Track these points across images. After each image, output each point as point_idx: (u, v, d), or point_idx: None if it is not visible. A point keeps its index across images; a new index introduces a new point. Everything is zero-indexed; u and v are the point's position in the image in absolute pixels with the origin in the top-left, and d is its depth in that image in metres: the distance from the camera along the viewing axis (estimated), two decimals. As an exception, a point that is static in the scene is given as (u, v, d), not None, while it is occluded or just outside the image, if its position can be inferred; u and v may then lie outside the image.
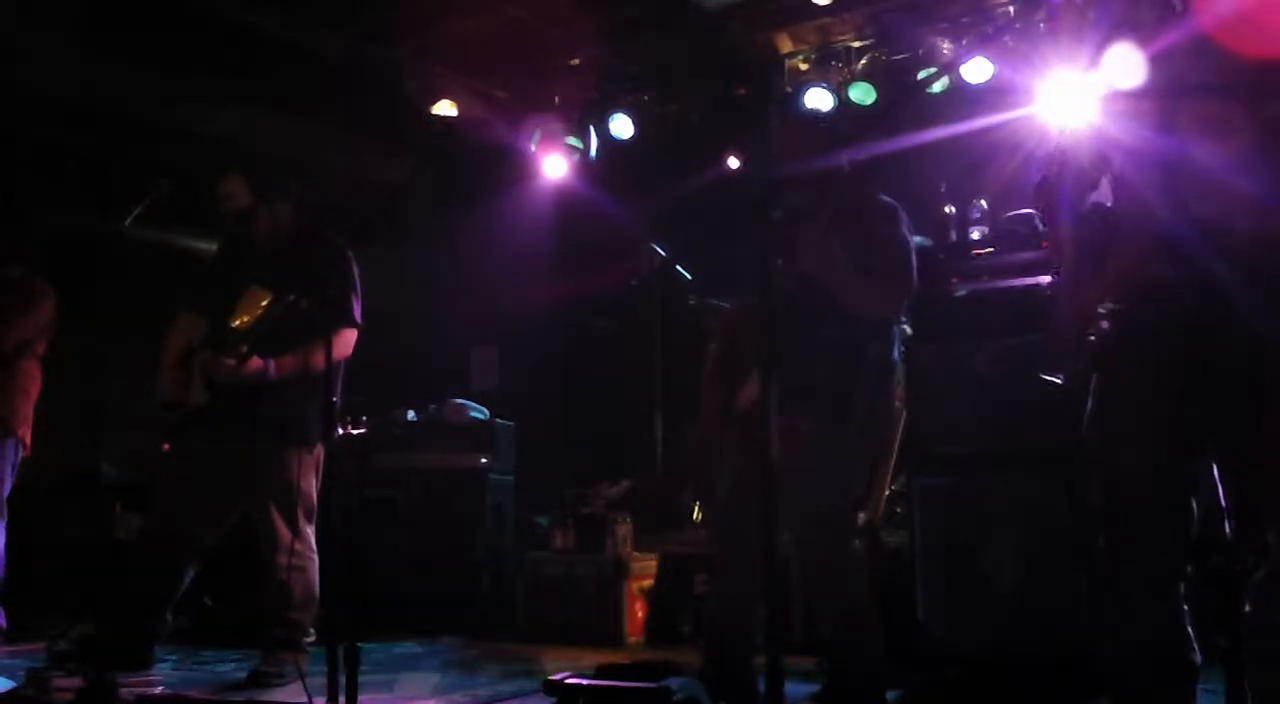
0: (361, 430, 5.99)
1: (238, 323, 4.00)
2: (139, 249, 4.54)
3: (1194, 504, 2.36)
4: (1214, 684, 2.64)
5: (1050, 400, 2.57)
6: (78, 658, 3.77)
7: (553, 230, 7.38)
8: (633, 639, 5.45)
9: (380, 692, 3.90)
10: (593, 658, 4.34)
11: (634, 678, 3.50)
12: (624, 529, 5.64)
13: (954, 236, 4.85)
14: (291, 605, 4.04)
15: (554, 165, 7.05)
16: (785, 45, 6.42)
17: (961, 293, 4.41)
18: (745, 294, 3.55)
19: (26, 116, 5.82)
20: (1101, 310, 2.36)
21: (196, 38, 5.85)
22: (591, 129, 6.90)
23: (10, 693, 3.59)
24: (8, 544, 4.76)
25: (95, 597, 4.37)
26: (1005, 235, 4.59)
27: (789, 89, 6.36)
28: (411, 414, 6.30)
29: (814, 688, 3.54)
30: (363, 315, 4.20)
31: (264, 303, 3.97)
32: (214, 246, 4.56)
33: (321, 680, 3.14)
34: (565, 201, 7.23)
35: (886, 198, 3.50)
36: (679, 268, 5.22)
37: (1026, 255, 4.33)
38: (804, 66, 6.39)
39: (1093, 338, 2.37)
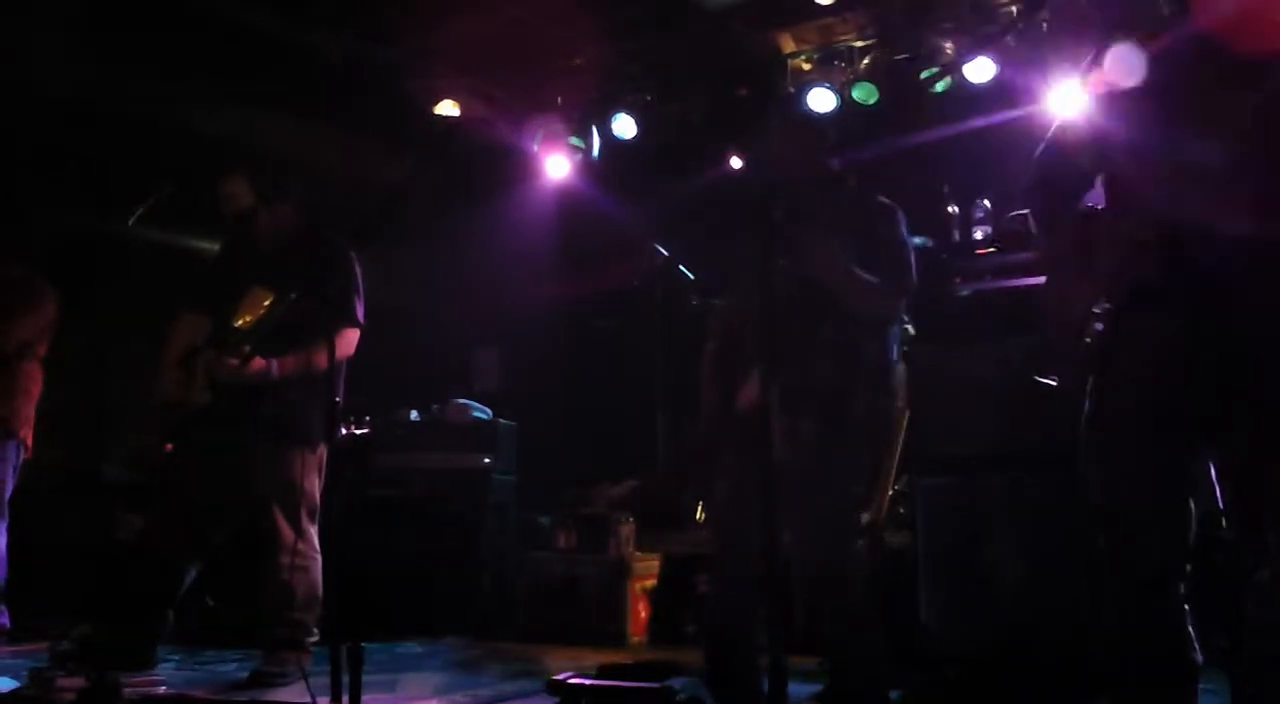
0: (364, 430, 5.99)
1: (240, 323, 4.00)
2: (140, 249, 4.54)
3: (1193, 504, 2.36)
4: (1216, 685, 2.64)
5: (1052, 400, 2.57)
6: (80, 658, 3.77)
7: (555, 230, 7.38)
8: (635, 639, 5.45)
9: (382, 692, 3.89)
10: (595, 658, 4.33)
11: (637, 678, 3.50)
12: (626, 529, 5.64)
13: (957, 236, 4.86)
14: (294, 605, 4.04)
15: (556, 165, 7.05)
16: (788, 45, 6.42)
17: (965, 293, 4.42)
18: (742, 293, 3.55)
19: (28, 117, 5.82)
20: (1096, 311, 2.36)
21: (197, 38, 5.85)
22: (594, 129, 6.90)
23: (13, 693, 3.59)
24: (10, 545, 4.76)
25: (97, 597, 4.37)
26: (1008, 235, 4.60)
27: (791, 89, 6.36)
28: (414, 414, 6.30)
29: (816, 688, 3.54)
30: (365, 315, 4.20)
31: (266, 303, 3.96)
32: (215, 247, 4.56)
33: (324, 680, 3.14)
34: (567, 202, 7.23)
35: (885, 199, 3.50)
36: (681, 268, 5.22)
37: (1029, 255, 4.34)
38: (807, 66, 6.39)
39: (1088, 340, 2.37)
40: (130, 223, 4.23)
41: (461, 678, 4.41)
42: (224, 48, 5.97)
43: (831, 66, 6.28)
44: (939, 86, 5.83)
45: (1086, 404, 2.48)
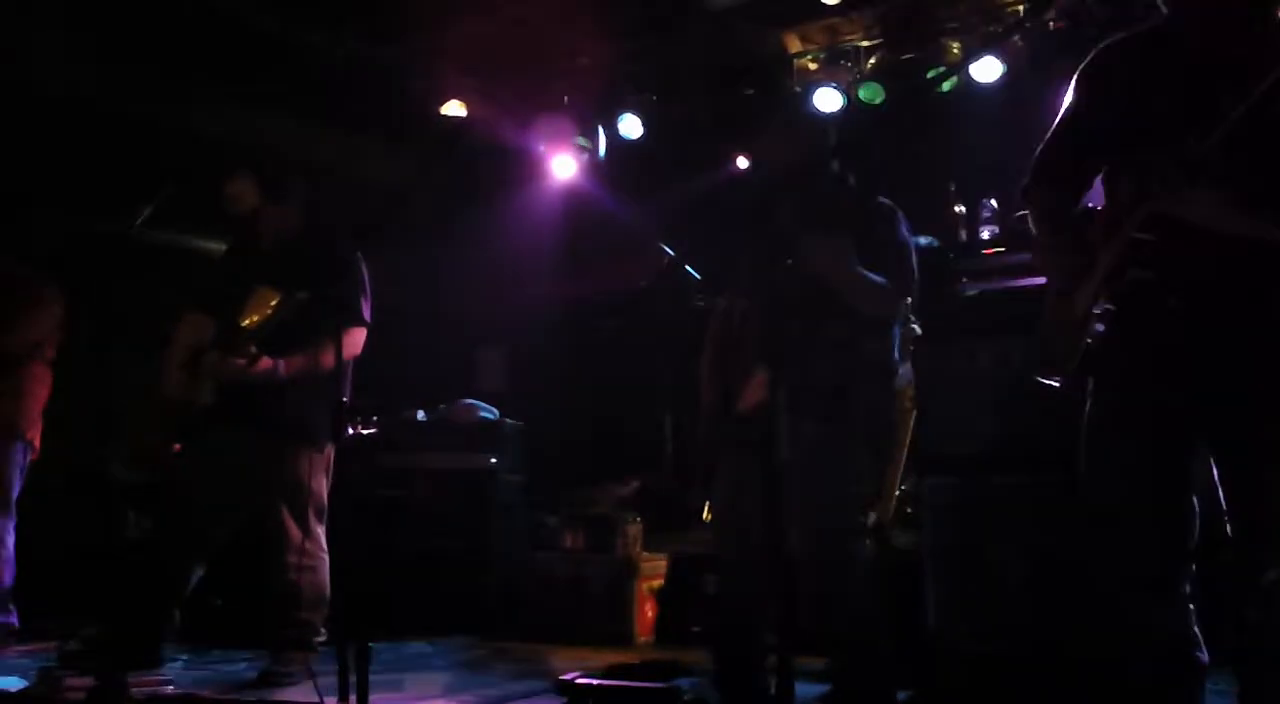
0: (371, 430, 5.99)
1: (247, 323, 4.00)
2: (144, 249, 4.55)
3: (1194, 503, 2.35)
4: (1224, 685, 2.63)
5: (1060, 400, 2.56)
6: (88, 657, 3.78)
7: (561, 230, 7.38)
8: (642, 639, 5.44)
9: (390, 691, 3.90)
10: (602, 658, 4.34)
11: (644, 678, 3.51)
12: (633, 529, 5.64)
13: (964, 236, 4.85)
14: (302, 605, 4.05)
15: (562, 165, 7.05)
16: (794, 45, 6.42)
17: (972, 292, 4.41)
18: (744, 292, 3.55)
19: (28, 117, 5.82)
20: (1096, 312, 2.36)
21: (199, 38, 5.86)
22: (600, 129, 6.90)
23: (22, 692, 3.60)
24: (18, 545, 4.77)
25: (104, 597, 4.38)
26: (1015, 235, 4.59)
27: (798, 88, 6.35)
28: (421, 414, 6.31)
29: (824, 688, 3.54)
30: (371, 315, 4.21)
31: (273, 303, 3.97)
32: (218, 246, 4.57)
33: (331, 680, 3.15)
34: (574, 202, 7.24)
35: (885, 199, 3.51)
36: (688, 268, 5.22)
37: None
38: (813, 66, 6.39)
39: (1090, 341, 2.37)
40: (138, 223, 4.22)
41: (468, 678, 4.41)
42: (227, 49, 5.98)
43: (838, 66, 6.28)
44: (945, 86, 5.82)
45: (1087, 404, 2.48)
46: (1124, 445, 2.39)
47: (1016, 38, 5.67)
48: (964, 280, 4.46)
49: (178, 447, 4.20)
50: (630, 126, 6.79)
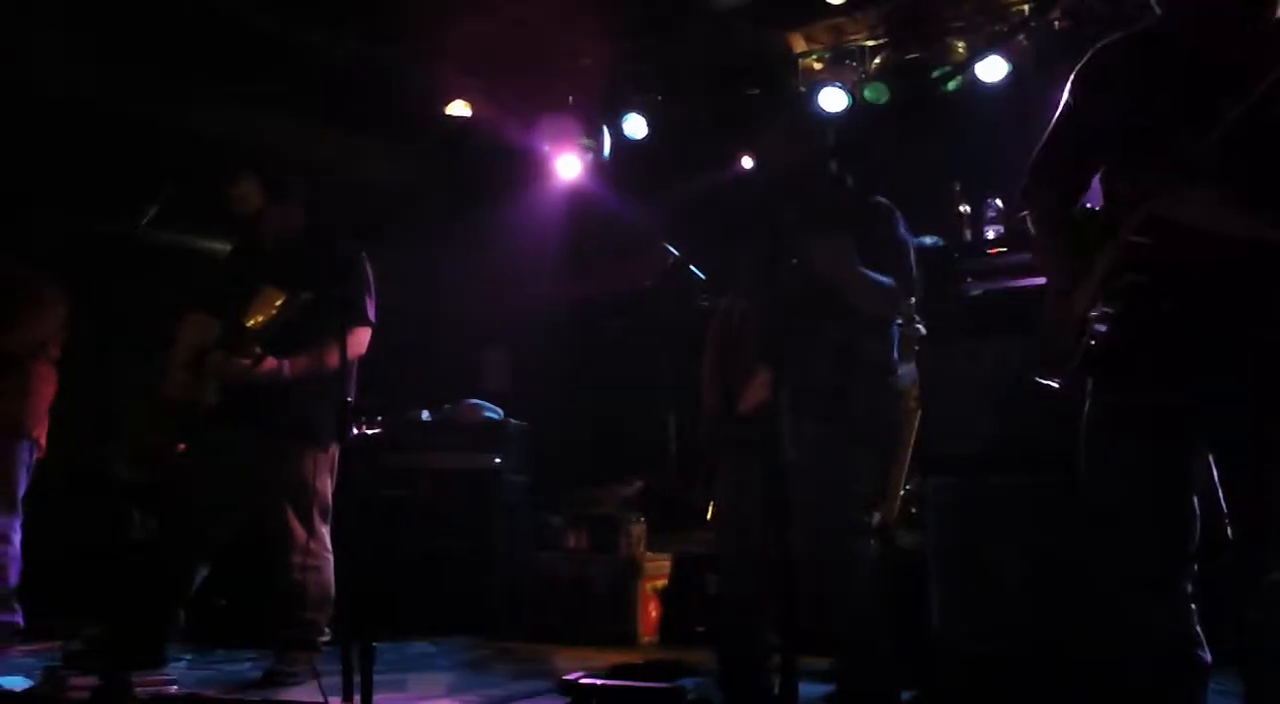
0: (376, 430, 6.00)
1: (251, 323, 4.01)
2: (146, 249, 4.55)
3: (1194, 503, 2.35)
4: (1229, 685, 2.63)
5: (1063, 400, 2.56)
6: (92, 657, 3.78)
7: (566, 230, 7.38)
8: (646, 639, 5.44)
9: (393, 691, 3.90)
10: (606, 658, 4.34)
11: (648, 678, 3.51)
12: (637, 529, 5.64)
13: (968, 236, 4.84)
14: (306, 605, 4.05)
15: (567, 165, 7.05)
16: (799, 45, 6.41)
17: (976, 292, 4.40)
18: (745, 292, 3.55)
19: (30, 117, 5.83)
20: (1094, 313, 2.36)
21: (199, 38, 5.86)
22: (604, 129, 6.90)
23: (27, 692, 3.61)
24: (23, 544, 4.78)
25: (109, 596, 4.38)
26: (1020, 234, 4.58)
27: (803, 88, 6.35)
28: (425, 414, 6.31)
29: (828, 688, 3.53)
30: (376, 314, 4.21)
31: (278, 303, 3.97)
32: (221, 247, 4.57)
33: (336, 680, 3.15)
34: (578, 202, 7.24)
35: (882, 199, 3.51)
36: (692, 268, 5.21)
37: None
38: (818, 66, 6.38)
39: (1093, 342, 2.37)
40: (143, 223, 4.23)
41: (472, 677, 4.41)
42: (229, 49, 5.99)
43: (843, 66, 6.27)
44: (950, 86, 5.81)
45: (1086, 405, 2.47)
46: (1124, 446, 2.39)
47: (1021, 37, 5.67)
48: (969, 280, 4.46)
49: (182, 447, 4.21)
50: (635, 126, 6.79)
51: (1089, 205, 2.57)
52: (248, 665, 4.35)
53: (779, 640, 2.91)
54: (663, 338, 6.68)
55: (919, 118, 5.87)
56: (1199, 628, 2.36)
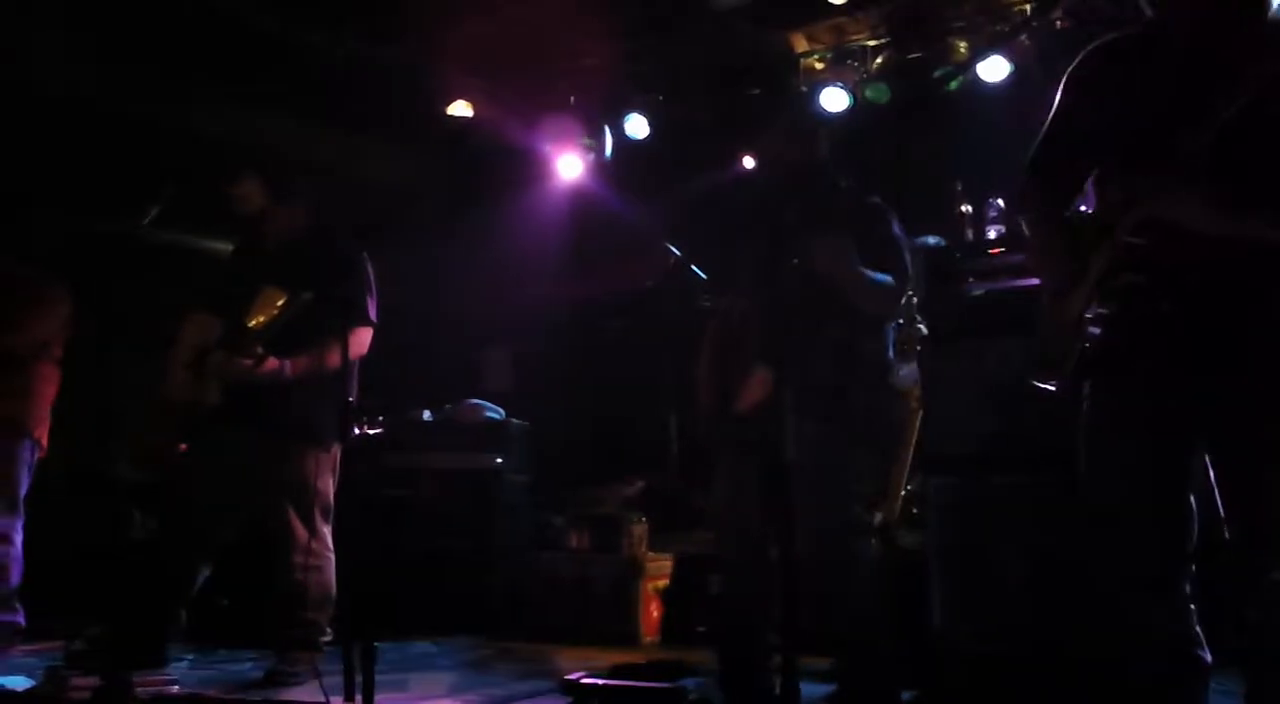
0: (377, 430, 6.00)
1: (253, 323, 4.01)
2: (147, 250, 4.56)
3: (1192, 502, 2.35)
4: (1231, 685, 2.62)
5: (1062, 400, 2.56)
6: (94, 657, 3.78)
7: (568, 230, 7.38)
8: (648, 639, 5.45)
9: (395, 691, 3.90)
10: (607, 658, 4.34)
11: (649, 678, 3.51)
12: (639, 529, 5.64)
13: (970, 236, 4.84)
14: (308, 605, 4.05)
15: (568, 165, 7.06)
16: (800, 44, 6.41)
17: (978, 292, 4.40)
18: (744, 292, 3.55)
19: (30, 117, 5.83)
20: (1089, 315, 2.36)
21: (199, 38, 5.86)
22: (606, 129, 6.90)
23: (29, 691, 3.61)
24: (24, 544, 4.78)
25: (110, 596, 4.38)
26: (1021, 234, 4.57)
27: (804, 88, 6.35)
28: (427, 414, 6.31)
29: (829, 688, 3.53)
30: (377, 315, 4.21)
31: (279, 303, 3.97)
32: (221, 246, 4.57)
33: (337, 680, 3.15)
34: (580, 202, 7.24)
35: (877, 199, 3.53)
36: (693, 268, 5.21)
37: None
38: (819, 66, 6.38)
39: (1085, 344, 2.37)
40: (145, 223, 4.23)
41: (473, 677, 4.42)
42: (232, 50, 5.99)
43: (844, 66, 6.27)
44: (952, 85, 5.81)
45: (1084, 406, 2.47)
46: (1122, 446, 2.39)
47: (1023, 37, 5.66)
48: (970, 280, 4.45)
49: (184, 447, 4.21)
50: (636, 126, 6.79)
51: (1084, 208, 2.57)
52: (249, 665, 4.35)
53: (780, 640, 2.91)
54: (664, 338, 6.68)
55: (920, 118, 5.87)
56: (1199, 628, 2.36)
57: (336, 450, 4.12)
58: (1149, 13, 2.46)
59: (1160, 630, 2.35)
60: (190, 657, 4.45)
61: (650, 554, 5.62)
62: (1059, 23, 5.55)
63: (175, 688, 3.68)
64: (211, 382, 4.06)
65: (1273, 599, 2.26)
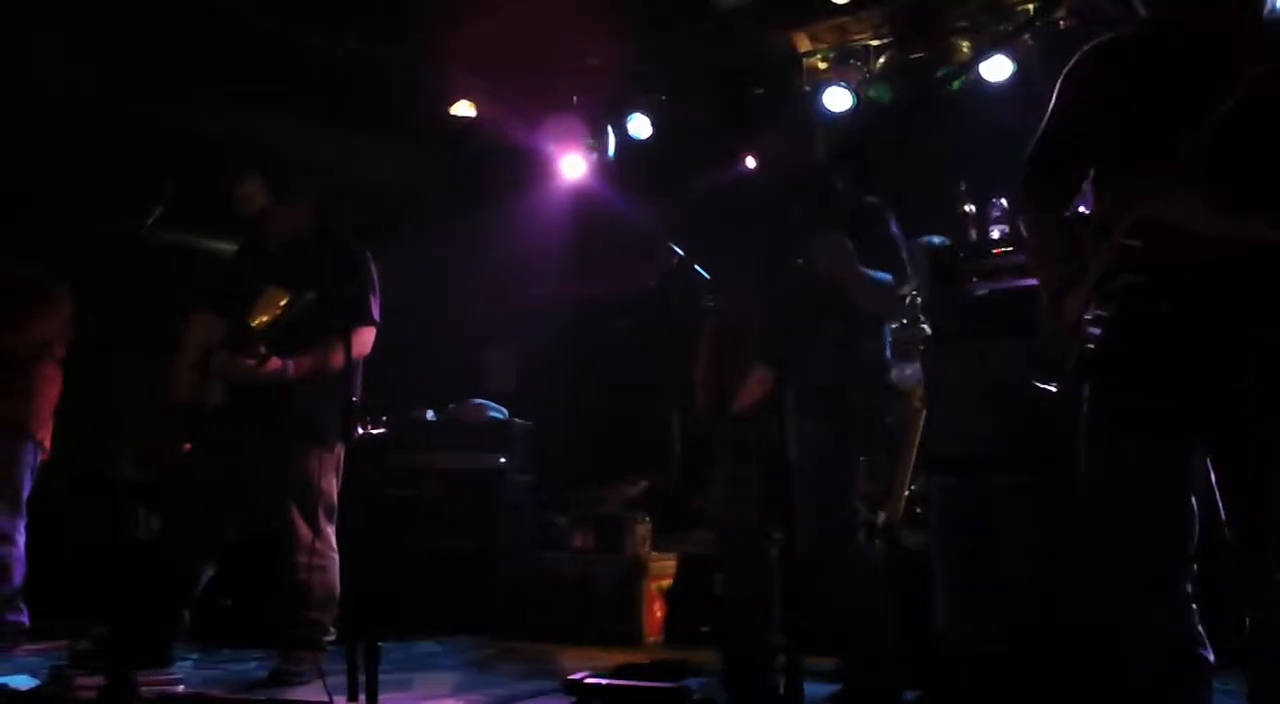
0: (380, 430, 6.01)
1: (256, 323, 4.01)
2: (148, 250, 4.56)
3: (1193, 502, 2.35)
4: (1234, 685, 2.62)
5: (1064, 401, 2.56)
6: (99, 657, 3.79)
7: (571, 230, 7.39)
8: (651, 639, 5.44)
9: (398, 690, 3.90)
10: (611, 658, 4.34)
11: (653, 678, 3.50)
12: (642, 529, 5.64)
13: (974, 236, 4.83)
14: (312, 605, 4.05)
15: (571, 165, 7.06)
16: (803, 44, 6.41)
17: (981, 292, 4.39)
18: (743, 292, 3.55)
19: (31, 117, 5.84)
20: (1088, 316, 2.36)
21: (208, 39, 5.87)
22: (609, 129, 6.90)
23: (34, 691, 3.61)
24: (28, 544, 4.79)
25: (114, 596, 4.39)
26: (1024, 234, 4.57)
27: (807, 88, 6.35)
28: (430, 414, 6.32)
29: (834, 688, 3.53)
30: (381, 314, 4.21)
31: (282, 303, 3.97)
32: (222, 246, 4.58)
33: (341, 679, 3.16)
34: (583, 202, 7.24)
35: (874, 198, 3.53)
36: (696, 268, 5.22)
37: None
38: (823, 65, 6.38)
39: (1090, 346, 2.37)
40: (149, 223, 4.23)
41: (477, 677, 4.42)
42: (235, 50, 5.99)
43: (847, 65, 6.27)
44: (955, 85, 5.81)
45: (1084, 407, 2.47)
46: (1123, 447, 2.39)
47: (1027, 37, 5.66)
48: (973, 280, 4.44)
49: (187, 447, 4.21)
50: (639, 126, 6.79)
51: (1083, 209, 2.57)
52: (253, 665, 4.35)
53: (784, 640, 2.91)
54: (667, 338, 6.69)
55: (923, 117, 5.86)
56: (1200, 628, 2.36)
57: (340, 450, 4.13)
58: (1142, 12, 2.45)
59: (1161, 630, 2.35)
60: (194, 656, 4.46)
61: (654, 554, 5.62)
62: (1062, 22, 5.55)
63: (180, 687, 3.69)
64: (215, 381, 4.06)
65: (1274, 599, 2.26)
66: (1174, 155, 2.24)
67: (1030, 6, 5.77)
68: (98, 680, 3.44)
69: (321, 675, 3.44)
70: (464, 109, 6.83)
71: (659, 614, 5.53)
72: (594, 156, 7.03)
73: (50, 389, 4.91)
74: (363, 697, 3.02)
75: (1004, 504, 3.84)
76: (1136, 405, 2.37)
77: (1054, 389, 2.53)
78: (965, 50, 5.92)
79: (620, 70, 6.72)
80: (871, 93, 6.12)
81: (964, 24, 5.92)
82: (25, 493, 4.79)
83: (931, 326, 4.56)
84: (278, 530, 4.08)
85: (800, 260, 3.16)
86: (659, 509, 5.93)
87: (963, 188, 4.99)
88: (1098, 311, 2.35)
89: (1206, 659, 2.35)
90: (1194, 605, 2.36)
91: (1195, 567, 2.36)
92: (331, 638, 4.10)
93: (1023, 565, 3.75)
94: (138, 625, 4.01)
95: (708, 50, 6.54)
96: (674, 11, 6.17)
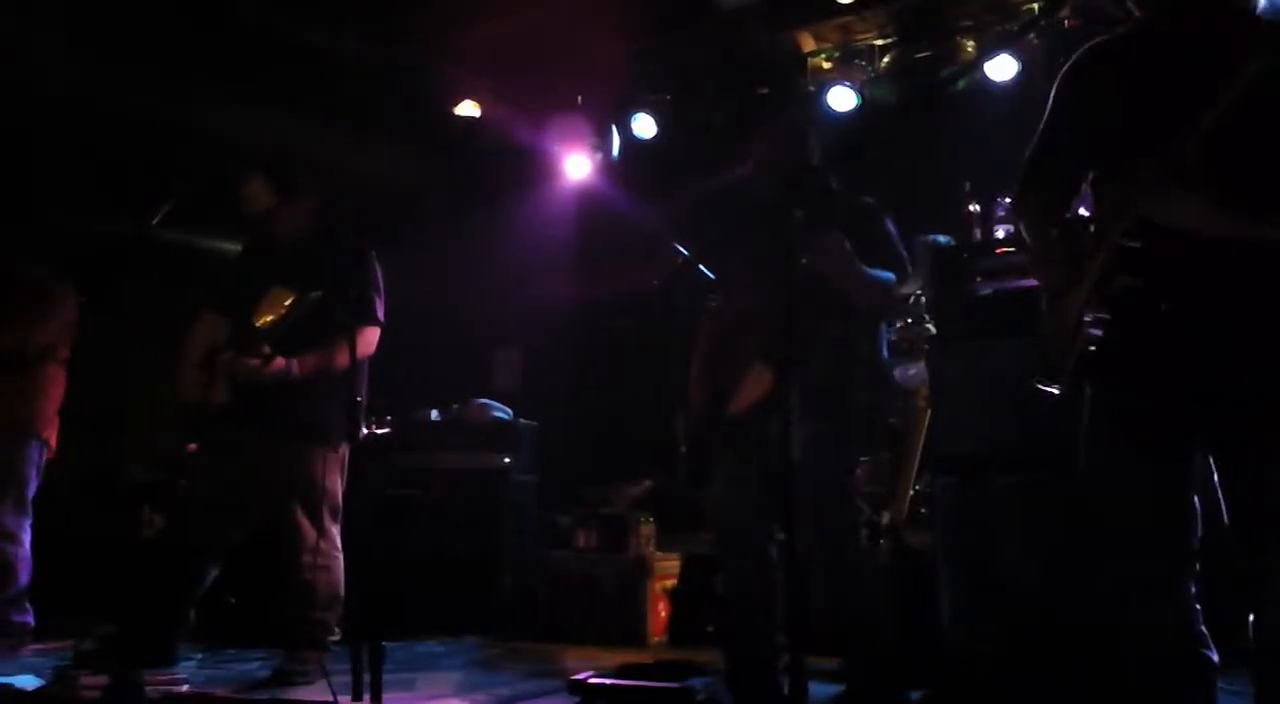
0: (385, 430, 6.01)
1: (261, 323, 4.01)
2: (157, 249, 4.57)
3: (1195, 502, 2.35)
4: (1240, 685, 2.62)
5: (1072, 401, 2.56)
6: (103, 656, 3.79)
7: (575, 230, 7.39)
8: (655, 639, 5.45)
9: (403, 690, 3.90)
10: (615, 658, 4.34)
11: (657, 678, 3.50)
12: (646, 529, 5.64)
13: (978, 235, 4.83)
14: (316, 604, 4.06)
15: (576, 165, 7.06)
16: (808, 44, 6.41)
17: (985, 292, 4.39)
18: (742, 292, 3.55)
19: (36, 117, 5.85)
20: (1088, 318, 2.35)
21: (215, 39, 5.87)
22: (614, 129, 6.90)
23: (38, 691, 3.62)
24: (33, 544, 4.79)
25: (119, 596, 4.40)
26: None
27: (811, 88, 6.35)
28: (435, 414, 6.32)
29: (837, 688, 3.53)
30: (385, 314, 4.21)
31: (287, 303, 3.98)
32: (232, 246, 4.58)
33: (345, 679, 3.16)
34: (587, 202, 7.24)
35: (869, 199, 3.54)
36: (701, 268, 5.21)
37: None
38: (827, 65, 6.38)
39: (1090, 347, 2.37)
40: (154, 223, 4.25)
41: (481, 677, 4.42)
42: (241, 50, 6.00)
43: (852, 65, 6.27)
44: (960, 85, 5.81)
45: (1084, 410, 2.47)
46: (1124, 447, 2.39)
47: (1031, 36, 5.66)
48: (978, 279, 4.44)
49: (192, 446, 4.22)
50: (644, 126, 6.79)
51: (1082, 210, 2.56)
52: (257, 664, 4.36)
53: (788, 640, 2.91)
54: (672, 338, 6.68)
55: (928, 117, 5.86)
56: (1204, 627, 2.35)
57: (345, 450, 4.13)
58: (1137, 13, 2.45)
59: (1165, 630, 2.35)
60: (199, 656, 4.47)
61: (658, 554, 5.62)
62: (1067, 22, 5.55)
63: (184, 687, 3.69)
64: (220, 381, 4.07)
65: (1277, 598, 2.26)
66: (1172, 156, 2.23)
67: (1035, 6, 5.76)
68: (102, 680, 3.45)
69: (326, 675, 3.45)
70: (468, 109, 6.84)
71: (663, 614, 5.53)
72: (598, 156, 7.03)
73: (55, 389, 4.92)
74: (367, 696, 3.02)
75: (1010, 504, 3.83)
76: (1137, 406, 2.37)
77: (1055, 391, 2.53)
78: (970, 50, 5.92)
79: (625, 70, 6.72)
80: (876, 92, 6.12)
81: (969, 23, 5.92)
82: (31, 492, 4.80)
83: (936, 326, 4.56)
84: (282, 530, 4.09)
85: (805, 260, 3.15)
86: (663, 509, 5.93)
87: (967, 188, 4.98)
88: (1097, 313, 2.35)
89: (1211, 659, 2.35)
90: (1197, 605, 2.36)
91: (1198, 566, 2.36)
92: (336, 637, 4.11)
93: (1027, 566, 3.74)
94: (142, 625, 4.02)
95: (712, 50, 6.54)
96: (678, 11, 6.18)
